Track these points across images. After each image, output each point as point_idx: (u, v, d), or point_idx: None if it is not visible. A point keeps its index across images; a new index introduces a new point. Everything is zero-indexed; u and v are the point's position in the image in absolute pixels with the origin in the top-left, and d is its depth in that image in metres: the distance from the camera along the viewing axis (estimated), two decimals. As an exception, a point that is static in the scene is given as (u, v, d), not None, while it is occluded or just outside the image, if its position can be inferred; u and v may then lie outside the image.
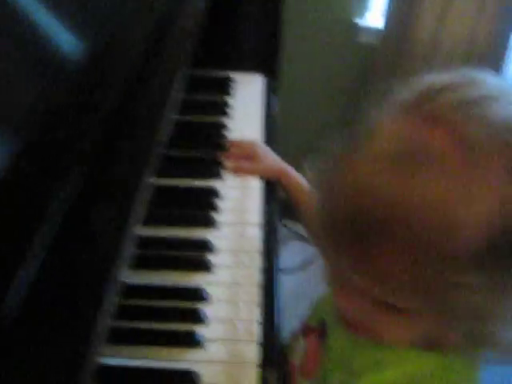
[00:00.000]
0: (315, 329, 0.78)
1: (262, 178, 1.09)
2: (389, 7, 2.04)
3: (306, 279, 2.24)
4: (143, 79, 0.96)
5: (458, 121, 0.51)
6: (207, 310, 0.84)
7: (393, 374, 0.63)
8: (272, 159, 1.13)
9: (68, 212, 0.62)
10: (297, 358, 0.81)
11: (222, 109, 1.30)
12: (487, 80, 0.56)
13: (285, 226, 2.46)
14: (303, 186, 1.03)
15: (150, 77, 0.97)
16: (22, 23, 0.79)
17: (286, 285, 2.22)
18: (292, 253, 2.39)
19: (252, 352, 0.79)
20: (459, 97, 0.53)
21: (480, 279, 0.51)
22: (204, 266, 0.90)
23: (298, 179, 1.05)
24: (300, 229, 2.45)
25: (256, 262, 0.93)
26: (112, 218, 0.65)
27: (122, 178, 0.72)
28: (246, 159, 1.11)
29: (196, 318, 0.82)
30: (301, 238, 2.45)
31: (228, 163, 1.08)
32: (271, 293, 0.90)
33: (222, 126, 1.24)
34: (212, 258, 0.92)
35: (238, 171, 1.08)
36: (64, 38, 0.89)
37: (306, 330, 0.82)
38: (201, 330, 0.81)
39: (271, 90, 1.45)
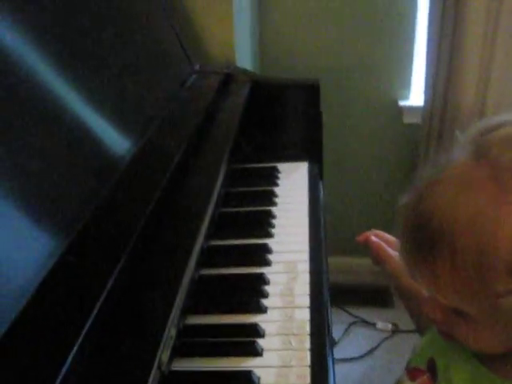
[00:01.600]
0: (424, 370, 0.83)
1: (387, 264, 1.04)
2: (427, 85, 2.09)
3: (372, 366, 2.18)
4: (187, 174, 1.01)
5: (498, 154, 0.61)
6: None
7: None
8: None
9: (115, 303, 0.65)
10: None
11: (269, 198, 1.34)
12: None
13: (349, 313, 2.43)
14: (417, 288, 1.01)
15: (193, 172, 1.02)
16: (72, 122, 0.86)
17: (352, 373, 2.18)
18: (357, 340, 2.34)
19: None
20: (506, 133, 0.63)
21: None
22: (254, 351, 0.90)
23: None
24: (364, 315, 2.42)
25: (305, 344, 0.92)
26: (156, 311, 0.68)
27: (166, 271, 0.76)
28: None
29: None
30: (365, 324, 2.40)
31: (372, 236, 1.06)
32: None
33: (270, 214, 1.27)
34: (261, 341, 0.92)
35: (376, 245, 1.04)
36: (111, 135, 0.95)
37: (413, 373, 0.85)
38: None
39: (317, 176, 1.48)
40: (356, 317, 2.42)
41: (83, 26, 1.04)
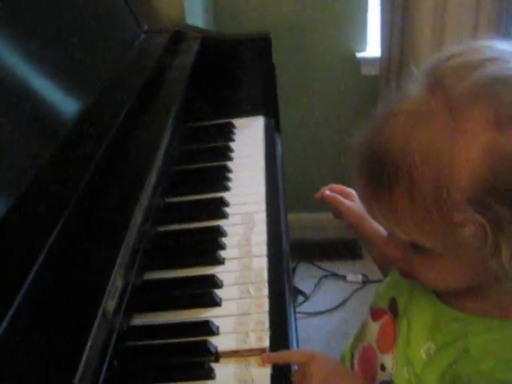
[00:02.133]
0: (386, 310, 0.83)
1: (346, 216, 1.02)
2: (383, 35, 2.09)
3: (345, 317, 2.21)
4: (133, 132, 0.99)
5: (452, 83, 0.60)
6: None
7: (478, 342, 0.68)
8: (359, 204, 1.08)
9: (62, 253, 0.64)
10: (371, 340, 0.84)
11: (224, 153, 1.33)
12: (492, 45, 0.63)
13: (319, 267, 2.46)
14: (378, 232, 0.98)
15: (139, 129, 1.01)
16: (17, 80, 0.84)
17: (325, 325, 2.21)
18: (328, 293, 2.37)
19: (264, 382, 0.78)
20: (460, 62, 0.62)
21: (481, 218, 0.57)
22: (212, 301, 0.90)
23: (374, 226, 0.99)
24: (335, 268, 2.45)
25: (264, 291, 0.92)
26: (100, 262, 0.68)
27: (112, 224, 0.75)
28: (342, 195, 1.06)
29: (206, 349, 0.82)
30: (336, 277, 2.43)
31: (326, 191, 1.04)
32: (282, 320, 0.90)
33: (226, 169, 1.27)
34: (219, 292, 0.92)
35: (331, 200, 1.03)
36: (56, 93, 0.93)
37: (376, 314, 0.85)
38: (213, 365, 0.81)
39: (273, 130, 1.48)
40: (326, 270, 2.45)
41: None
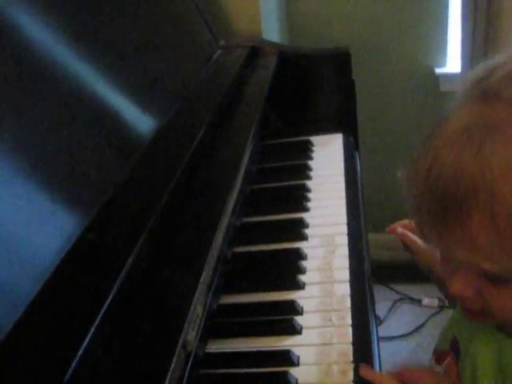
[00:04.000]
0: (449, 351, 0.78)
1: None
2: (463, 51, 2.01)
3: (420, 343, 2.12)
4: (212, 149, 0.96)
5: (510, 90, 0.56)
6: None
7: None
8: None
9: (138, 280, 0.61)
10: None
11: (303, 172, 1.29)
12: None
13: (394, 289, 2.37)
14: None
15: (219, 146, 0.98)
16: (96, 99, 0.82)
17: (400, 350, 2.12)
18: (403, 317, 2.28)
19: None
20: (509, 70, 0.58)
21: None
22: (292, 329, 0.85)
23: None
24: (410, 291, 2.36)
25: (347, 320, 0.87)
26: (180, 288, 0.64)
27: (191, 247, 0.72)
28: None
29: (286, 381, 0.77)
30: (411, 300, 2.34)
31: (398, 228, 1.00)
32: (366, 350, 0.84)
33: (305, 188, 1.22)
34: (300, 319, 0.87)
35: (402, 237, 0.99)
36: (134, 110, 0.92)
37: (438, 357, 0.80)
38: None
39: (352, 148, 1.43)
40: (401, 294, 2.36)
41: (108, 3, 1.01)
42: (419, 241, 0.94)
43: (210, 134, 0.97)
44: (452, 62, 2.20)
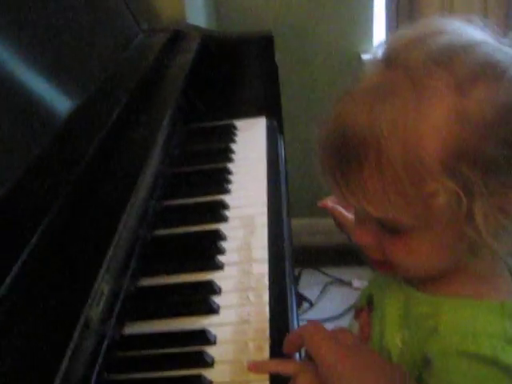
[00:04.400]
0: (365, 307, 0.81)
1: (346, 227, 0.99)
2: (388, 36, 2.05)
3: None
4: (128, 129, 0.95)
5: (408, 55, 0.60)
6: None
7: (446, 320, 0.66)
8: None
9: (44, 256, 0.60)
10: None
11: (225, 155, 1.28)
12: (443, 20, 0.64)
13: (325, 273, 2.41)
14: None
15: (134, 128, 0.97)
16: (10, 76, 0.80)
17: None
18: (334, 299, 2.32)
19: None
20: (413, 35, 0.62)
21: (454, 184, 0.57)
22: (209, 308, 0.86)
23: None
24: (340, 274, 2.40)
25: (264, 298, 0.87)
26: (84, 266, 0.63)
27: (98, 226, 0.71)
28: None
29: (202, 359, 0.77)
30: (341, 283, 2.38)
31: (328, 202, 1.02)
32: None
33: (226, 171, 1.22)
34: (217, 299, 0.88)
35: (333, 211, 1.01)
36: (50, 90, 0.90)
37: (357, 313, 0.84)
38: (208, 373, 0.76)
39: (276, 131, 1.43)
40: (332, 277, 2.40)
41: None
42: (345, 212, 0.98)
43: (125, 117, 0.95)
44: (377, 48, 2.24)
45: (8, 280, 0.52)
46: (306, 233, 2.49)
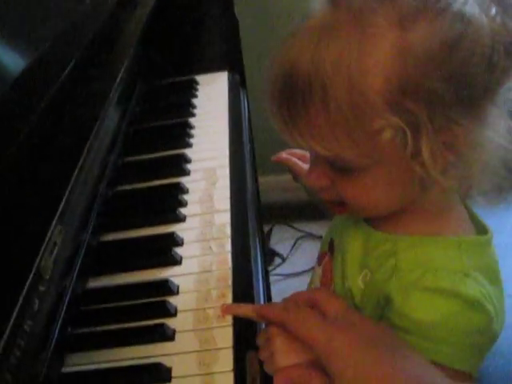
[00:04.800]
0: (327, 251, 0.84)
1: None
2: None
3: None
4: (83, 83, 0.94)
5: None
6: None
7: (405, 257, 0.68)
8: None
9: None
10: (317, 284, 0.86)
11: (187, 109, 1.27)
12: None
13: (295, 228, 2.42)
14: None
15: (90, 81, 0.95)
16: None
17: (303, 285, 2.18)
18: (305, 254, 2.34)
19: (226, 338, 0.74)
20: None
21: (399, 120, 0.57)
22: (171, 259, 0.86)
23: None
24: (311, 229, 2.42)
25: (226, 247, 0.88)
26: (39, 215, 0.62)
27: (52, 178, 0.70)
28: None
29: (165, 309, 0.78)
30: (312, 237, 2.40)
31: (283, 155, 1.05)
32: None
33: (188, 125, 1.21)
34: (180, 250, 0.88)
35: (287, 162, 1.04)
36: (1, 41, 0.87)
37: (319, 258, 0.86)
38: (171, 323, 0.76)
39: (238, 85, 1.42)
40: (302, 231, 2.41)
41: None
42: (303, 164, 0.99)
43: (79, 71, 0.94)
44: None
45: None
46: (275, 189, 2.49)
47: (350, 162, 0.63)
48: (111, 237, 0.92)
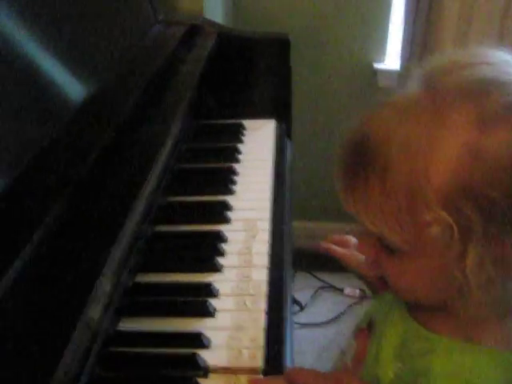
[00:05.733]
0: (365, 328, 0.81)
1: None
2: (403, 49, 2.04)
3: (340, 331, 2.16)
4: (140, 123, 0.95)
5: (441, 79, 0.59)
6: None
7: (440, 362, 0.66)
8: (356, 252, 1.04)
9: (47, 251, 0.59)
10: (348, 360, 0.82)
11: (232, 155, 1.28)
12: (489, 51, 0.62)
13: (317, 277, 2.40)
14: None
15: (146, 121, 0.96)
16: (25, 61, 0.79)
17: (319, 337, 2.16)
18: (324, 305, 2.32)
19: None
20: (453, 61, 0.61)
21: (451, 219, 0.56)
22: (206, 311, 0.85)
23: None
24: (333, 280, 2.40)
25: (261, 305, 0.87)
26: (89, 263, 0.62)
27: (106, 220, 0.70)
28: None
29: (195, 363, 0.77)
30: (333, 289, 2.38)
31: (331, 247, 1.02)
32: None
33: (232, 171, 1.21)
34: (214, 302, 0.87)
35: (327, 250, 1.02)
36: (63, 78, 0.89)
37: (357, 334, 0.83)
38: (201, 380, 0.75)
39: (284, 135, 1.43)
40: (324, 282, 2.39)
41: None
42: (341, 250, 0.99)
43: (138, 109, 0.95)
44: (391, 59, 2.23)
45: (10, 276, 0.52)
46: (301, 236, 2.47)
47: (393, 244, 0.63)
48: (146, 278, 0.92)
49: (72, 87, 0.93)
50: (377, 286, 0.93)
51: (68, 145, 0.80)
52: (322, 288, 2.38)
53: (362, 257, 0.93)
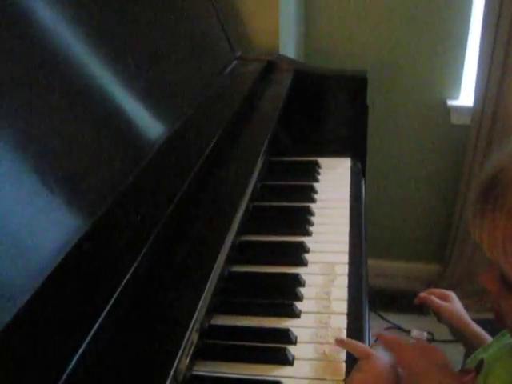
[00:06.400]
0: (473, 370, 0.81)
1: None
2: (478, 85, 1.99)
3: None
4: (222, 163, 0.94)
5: None
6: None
7: None
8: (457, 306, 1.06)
9: (134, 299, 0.58)
10: None
11: (308, 194, 1.26)
12: None
13: (384, 318, 2.34)
14: (479, 335, 0.97)
15: (228, 161, 0.95)
16: (106, 100, 0.79)
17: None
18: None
19: None
20: None
21: None
22: (284, 358, 0.82)
23: (474, 328, 0.98)
24: (400, 321, 2.32)
25: (341, 356, 0.84)
26: (178, 313, 0.61)
27: (193, 265, 0.68)
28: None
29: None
30: (400, 331, 2.30)
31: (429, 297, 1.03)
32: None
33: (308, 211, 1.19)
34: (293, 349, 0.84)
35: (426, 301, 1.03)
36: (145, 119, 0.89)
37: (462, 373, 0.82)
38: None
39: (359, 173, 1.40)
40: (391, 323, 2.32)
41: (126, 7, 0.98)
42: (443, 303, 1.00)
43: (220, 147, 0.94)
44: (465, 96, 2.18)
45: (97, 325, 0.51)
46: (370, 275, 2.43)
47: (508, 278, 0.64)
48: (222, 320, 0.90)
49: (153, 125, 0.93)
50: (468, 345, 0.91)
51: (149, 187, 0.79)
52: (388, 329, 2.31)
53: (457, 310, 0.91)
